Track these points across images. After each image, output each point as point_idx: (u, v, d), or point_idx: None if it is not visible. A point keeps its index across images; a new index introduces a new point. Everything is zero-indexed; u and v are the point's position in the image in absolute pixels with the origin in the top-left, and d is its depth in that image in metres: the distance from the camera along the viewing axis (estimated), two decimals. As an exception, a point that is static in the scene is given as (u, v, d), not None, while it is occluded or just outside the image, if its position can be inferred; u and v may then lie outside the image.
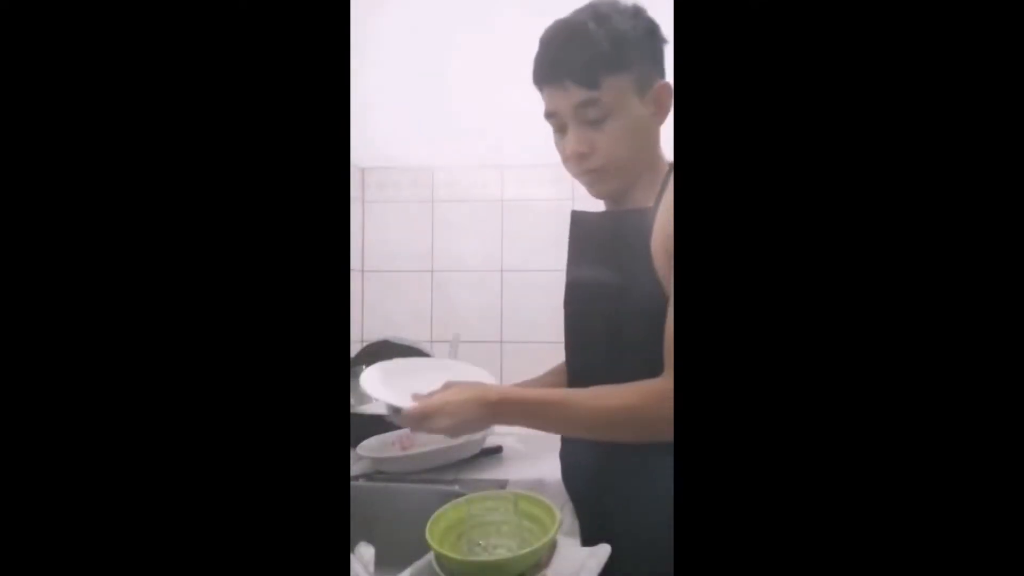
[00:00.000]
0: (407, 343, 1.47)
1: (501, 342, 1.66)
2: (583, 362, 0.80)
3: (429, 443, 1.06)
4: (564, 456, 0.84)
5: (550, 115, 0.73)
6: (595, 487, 0.77)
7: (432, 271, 1.69)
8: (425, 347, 1.49)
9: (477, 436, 1.04)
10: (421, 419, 0.65)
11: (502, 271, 1.67)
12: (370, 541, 0.61)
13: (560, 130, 0.73)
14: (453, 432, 0.67)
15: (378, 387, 0.73)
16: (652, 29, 0.72)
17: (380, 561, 0.60)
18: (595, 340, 0.76)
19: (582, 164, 0.72)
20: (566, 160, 0.74)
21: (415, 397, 0.68)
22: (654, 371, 0.64)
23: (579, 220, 0.82)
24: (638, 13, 0.70)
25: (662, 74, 0.73)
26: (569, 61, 0.68)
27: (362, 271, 1.71)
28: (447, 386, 0.69)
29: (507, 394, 0.68)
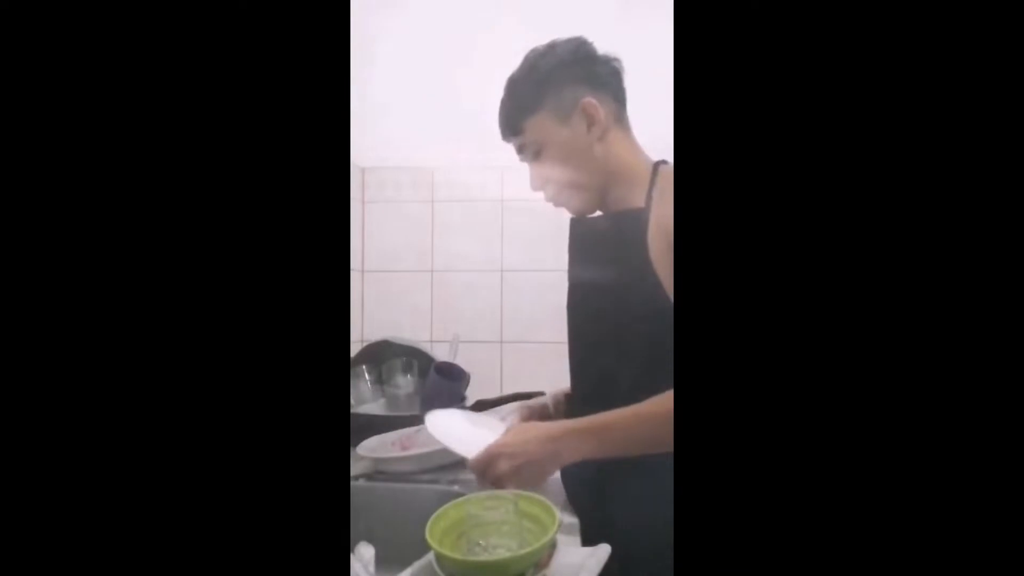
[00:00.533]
0: (407, 343, 1.47)
1: (501, 342, 1.66)
2: (588, 365, 0.80)
3: (429, 443, 1.06)
4: None
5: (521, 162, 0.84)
6: (595, 487, 0.77)
7: (432, 271, 1.69)
8: (425, 347, 1.49)
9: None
10: (484, 466, 0.65)
11: (502, 271, 1.67)
12: (370, 541, 0.61)
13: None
14: (519, 479, 0.65)
15: (445, 433, 0.77)
16: (556, 69, 0.77)
17: (380, 561, 0.60)
18: (599, 342, 0.77)
19: (545, 196, 0.82)
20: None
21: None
22: (659, 371, 0.64)
23: (577, 225, 0.83)
24: (534, 68, 0.78)
25: (596, 89, 0.77)
26: (501, 121, 0.81)
27: (362, 271, 1.71)
28: (509, 431, 0.69)
29: (569, 426, 0.67)
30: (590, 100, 0.75)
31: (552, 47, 0.78)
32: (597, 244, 0.79)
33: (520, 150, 0.80)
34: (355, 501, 0.90)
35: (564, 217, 0.85)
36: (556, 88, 0.76)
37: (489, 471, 0.64)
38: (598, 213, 0.82)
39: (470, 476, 1.01)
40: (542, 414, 0.87)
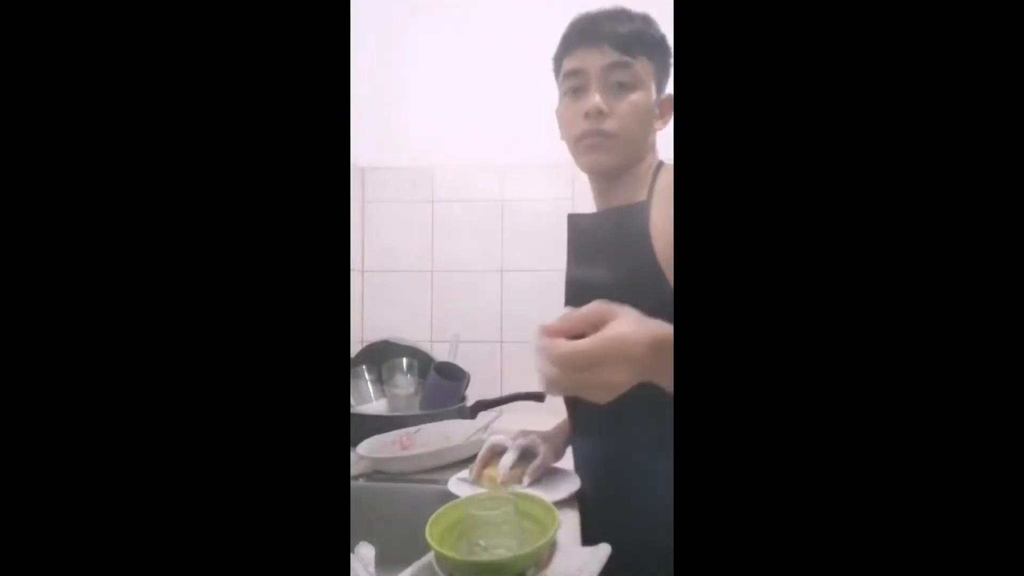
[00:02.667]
0: (407, 343, 1.47)
1: (501, 342, 1.66)
2: None
3: (429, 443, 1.06)
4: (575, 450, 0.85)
5: (573, 74, 0.75)
6: (598, 486, 0.78)
7: (432, 271, 1.70)
8: (425, 347, 1.49)
9: (474, 439, 1.04)
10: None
11: (502, 271, 1.67)
12: (370, 541, 0.61)
13: (577, 91, 0.75)
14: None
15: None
16: (668, 53, 0.77)
17: (380, 561, 0.60)
18: None
19: (598, 123, 0.73)
20: (579, 117, 0.74)
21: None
22: None
23: (576, 222, 0.83)
24: (663, 35, 0.76)
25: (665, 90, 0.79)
26: (610, 29, 0.73)
27: (362, 271, 1.71)
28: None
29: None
30: (670, 96, 0.78)
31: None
32: (598, 241, 0.79)
33: (612, 68, 0.73)
34: (355, 501, 0.90)
35: (564, 217, 0.85)
36: (663, 61, 0.77)
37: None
38: (595, 209, 0.82)
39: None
40: (530, 451, 0.86)
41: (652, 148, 0.79)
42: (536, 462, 0.83)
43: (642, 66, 0.73)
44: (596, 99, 0.72)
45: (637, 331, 0.45)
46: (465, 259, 1.67)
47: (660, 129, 0.78)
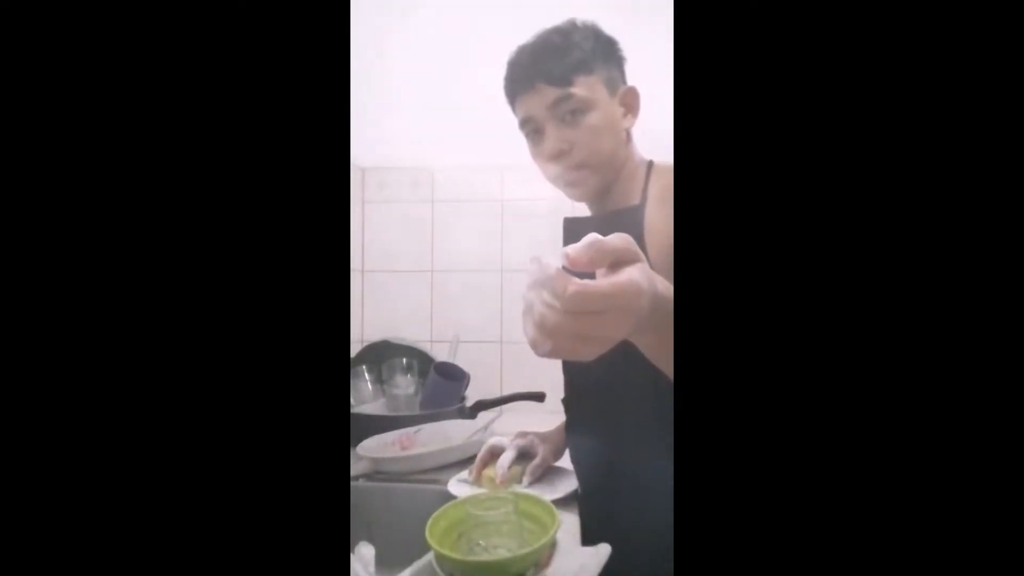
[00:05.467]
0: (407, 343, 1.48)
1: (501, 342, 1.66)
2: (584, 369, 0.80)
3: (429, 443, 1.06)
4: (571, 452, 0.84)
5: (525, 122, 0.75)
6: (597, 485, 0.78)
7: (432, 271, 1.70)
8: (425, 347, 1.49)
9: (474, 439, 1.04)
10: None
11: (502, 271, 1.67)
12: (370, 541, 0.61)
13: (537, 134, 0.75)
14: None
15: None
16: (611, 43, 0.76)
17: (380, 561, 0.60)
18: None
19: (562, 161, 0.73)
20: (546, 162, 0.75)
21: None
22: (659, 373, 0.64)
23: (572, 226, 0.83)
24: (596, 32, 0.75)
25: (625, 82, 0.77)
26: (540, 67, 0.72)
27: (362, 271, 1.71)
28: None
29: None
30: (633, 88, 0.76)
31: (597, 30, 0.76)
32: None
33: (556, 104, 0.72)
34: (355, 501, 0.90)
35: (563, 217, 0.85)
36: (607, 64, 0.74)
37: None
38: (590, 214, 0.82)
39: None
40: (530, 449, 0.86)
41: (627, 143, 0.77)
42: (536, 461, 0.83)
43: (585, 84, 0.71)
44: (551, 144, 0.73)
45: (647, 281, 0.40)
46: (465, 259, 1.67)
47: (631, 125, 0.77)
